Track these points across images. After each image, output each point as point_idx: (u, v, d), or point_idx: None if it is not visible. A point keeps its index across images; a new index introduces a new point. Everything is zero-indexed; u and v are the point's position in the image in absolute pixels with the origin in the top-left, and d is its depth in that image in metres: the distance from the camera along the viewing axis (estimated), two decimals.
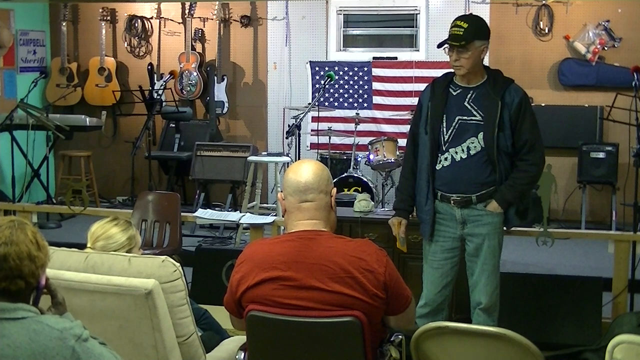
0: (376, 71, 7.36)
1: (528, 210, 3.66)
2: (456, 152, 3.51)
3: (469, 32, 3.43)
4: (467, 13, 7.00)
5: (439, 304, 3.66)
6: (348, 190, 6.32)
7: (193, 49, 7.78)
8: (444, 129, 3.53)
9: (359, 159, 6.70)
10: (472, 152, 3.49)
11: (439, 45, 3.56)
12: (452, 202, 3.55)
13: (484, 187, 3.52)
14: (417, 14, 7.48)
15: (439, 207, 3.60)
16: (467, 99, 3.52)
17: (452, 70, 3.57)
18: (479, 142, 3.48)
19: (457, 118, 3.51)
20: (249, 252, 2.49)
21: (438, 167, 3.56)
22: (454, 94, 3.56)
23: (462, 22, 3.46)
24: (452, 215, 3.58)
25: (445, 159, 3.54)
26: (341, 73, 7.40)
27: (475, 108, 3.50)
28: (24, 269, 1.96)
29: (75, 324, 2.01)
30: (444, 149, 3.54)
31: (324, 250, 2.36)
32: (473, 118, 3.49)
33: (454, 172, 3.52)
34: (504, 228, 3.66)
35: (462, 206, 3.54)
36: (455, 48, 3.45)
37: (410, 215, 3.75)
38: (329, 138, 6.83)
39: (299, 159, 5.29)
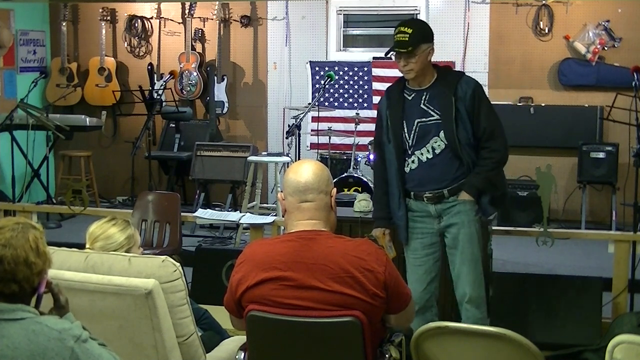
0: (376, 71, 7.35)
1: (505, 196, 3.70)
2: (422, 154, 3.57)
3: (415, 37, 3.46)
4: (467, 13, 7.02)
5: (427, 301, 3.67)
6: (348, 190, 6.32)
7: (193, 49, 7.78)
8: (406, 135, 3.58)
9: (359, 159, 6.70)
10: (437, 151, 3.54)
11: (386, 54, 3.58)
12: (425, 199, 3.59)
13: (454, 181, 3.56)
14: (417, 14, 7.47)
15: (413, 205, 3.64)
16: (422, 101, 3.57)
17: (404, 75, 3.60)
18: (442, 141, 3.52)
19: (416, 121, 3.56)
20: (249, 252, 2.49)
21: (407, 169, 3.62)
22: (409, 98, 3.60)
23: (406, 28, 3.49)
24: (427, 211, 3.62)
25: (413, 161, 3.60)
26: (341, 73, 7.39)
27: (432, 108, 3.54)
28: (18, 273, 1.95)
29: (75, 325, 2.01)
30: (409, 152, 3.60)
31: (324, 250, 2.37)
32: (431, 118, 3.54)
33: (422, 172, 3.58)
34: (481, 217, 3.66)
35: (436, 202, 3.59)
36: (403, 54, 3.48)
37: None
38: (329, 138, 6.83)
39: (299, 159, 5.29)
